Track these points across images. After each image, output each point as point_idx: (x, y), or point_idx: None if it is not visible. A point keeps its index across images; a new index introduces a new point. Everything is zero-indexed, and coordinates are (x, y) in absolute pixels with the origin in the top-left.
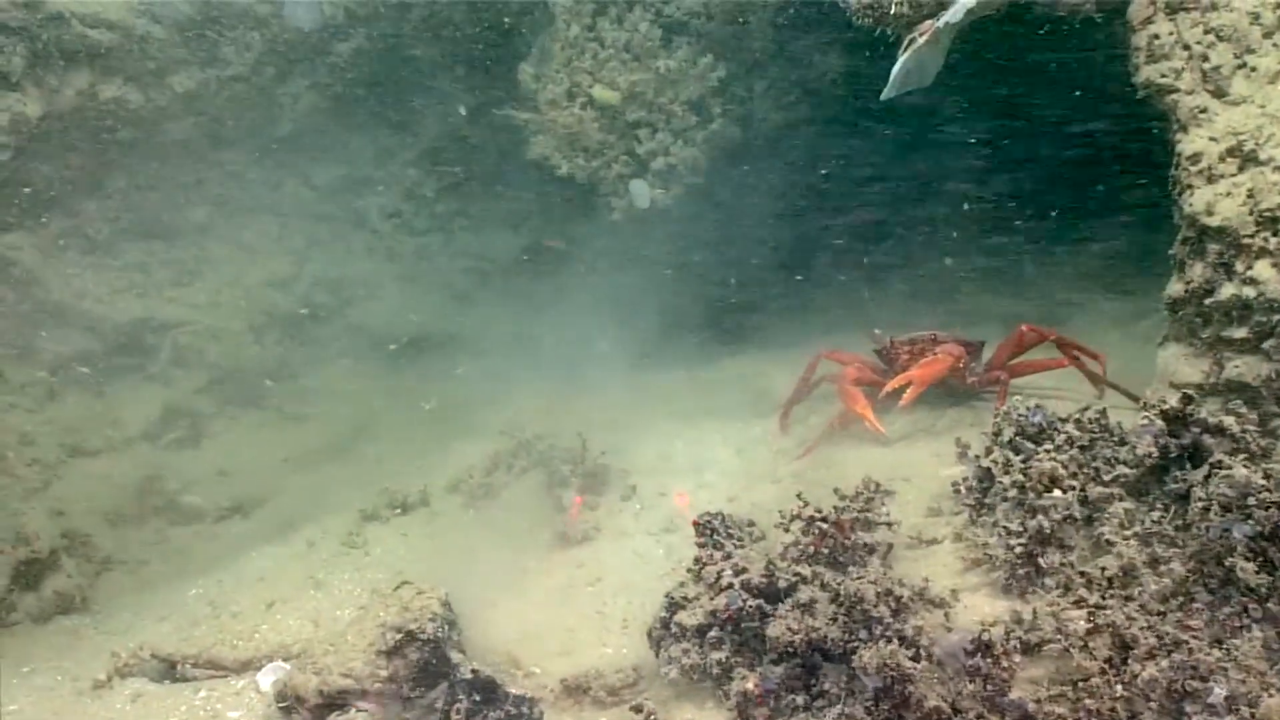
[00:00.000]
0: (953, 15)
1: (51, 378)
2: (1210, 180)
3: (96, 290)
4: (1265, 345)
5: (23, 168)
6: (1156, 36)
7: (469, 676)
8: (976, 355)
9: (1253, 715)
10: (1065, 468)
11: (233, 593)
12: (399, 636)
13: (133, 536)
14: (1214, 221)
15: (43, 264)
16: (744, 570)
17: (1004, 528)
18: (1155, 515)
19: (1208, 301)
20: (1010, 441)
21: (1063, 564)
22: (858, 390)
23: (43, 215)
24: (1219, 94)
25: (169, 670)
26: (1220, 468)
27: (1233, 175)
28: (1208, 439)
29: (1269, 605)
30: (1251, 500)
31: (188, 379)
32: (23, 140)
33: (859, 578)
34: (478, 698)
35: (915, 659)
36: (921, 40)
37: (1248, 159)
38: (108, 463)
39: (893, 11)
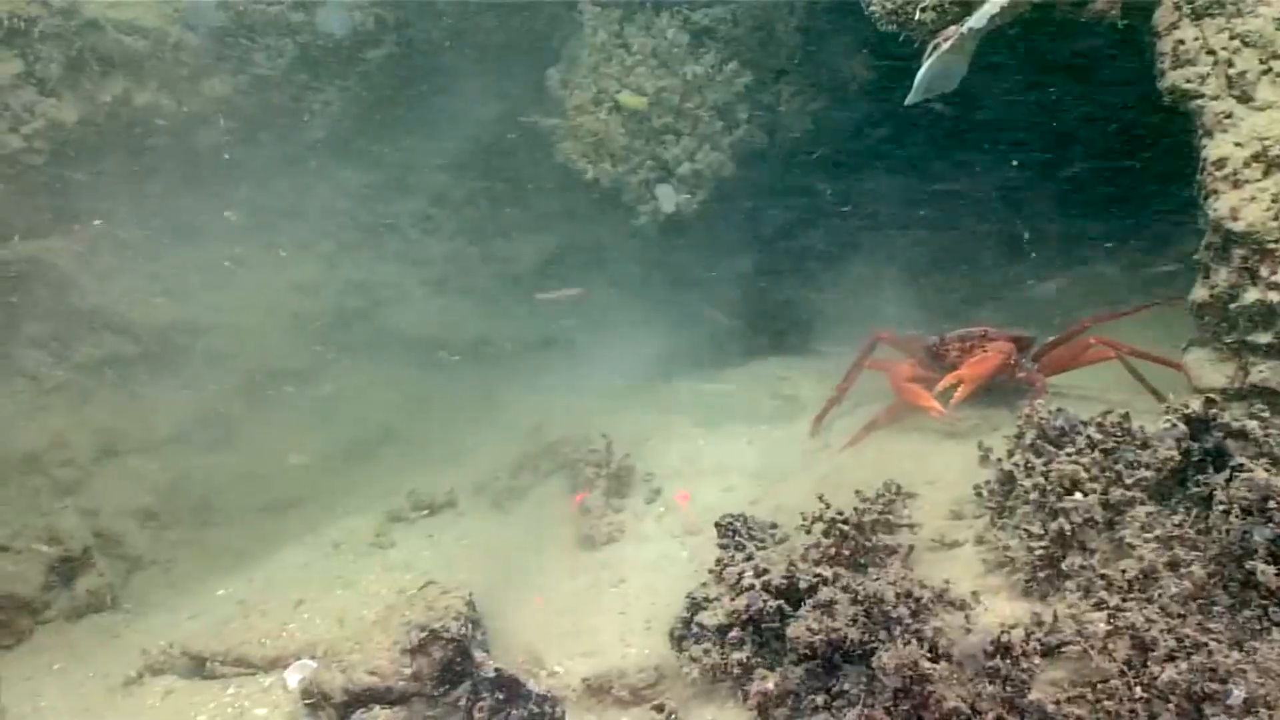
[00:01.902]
0: (977, 21)
1: (85, 380)
2: (1235, 185)
3: (129, 293)
4: None
5: (58, 172)
6: (1182, 42)
7: (492, 675)
8: (1027, 350)
9: (1271, 718)
10: (1086, 471)
11: (262, 591)
12: (423, 635)
13: (164, 536)
14: (1239, 226)
15: (77, 267)
16: (765, 571)
17: (1025, 530)
18: (1177, 518)
19: (1232, 306)
20: (1032, 444)
21: (1083, 566)
22: (914, 385)
23: (77, 219)
24: (1244, 99)
25: (199, 667)
26: (1241, 471)
27: (1258, 180)
28: (1230, 443)
29: None
30: (1272, 504)
31: (219, 381)
32: (58, 145)
33: (879, 579)
34: (501, 696)
35: (934, 660)
36: (946, 46)
37: (1273, 164)
38: (140, 463)
39: (917, 18)
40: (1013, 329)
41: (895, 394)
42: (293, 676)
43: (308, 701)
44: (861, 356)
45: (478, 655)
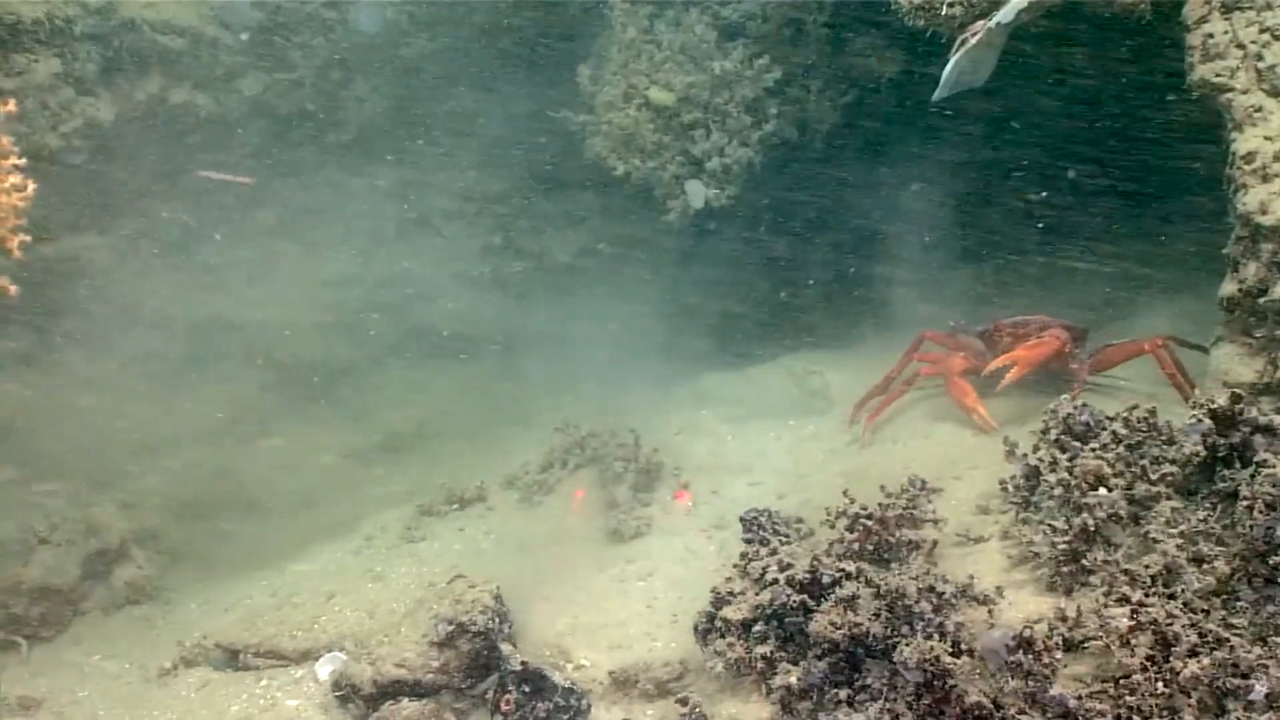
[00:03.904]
0: (1004, 15)
1: (123, 374)
2: (1265, 179)
3: (167, 289)
4: None
5: (96, 170)
6: (1211, 35)
7: (518, 668)
8: (1081, 341)
9: None
10: (1111, 466)
11: (294, 584)
12: (451, 628)
13: (200, 529)
14: (1268, 221)
15: (115, 264)
16: (789, 566)
17: (1049, 525)
18: (1202, 514)
19: (1262, 301)
20: (1057, 439)
21: (1106, 561)
22: (967, 384)
23: (115, 216)
24: (1274, 93)
25: (232, 659)
26: (1265, 467)
27: None
28: (1257, 438)
29: None
30: None
31: (255, 376)
32: (96, 143)
33: (901, 574)
34: (527, 689)
35: (956, 655)
36: (973, 41)
37: None
38: (177, 457)
39: (944, 12)
40: (1066, 320)
41: (948, 388)
42: (323, 668)
43: (338, 693)
44: (906, 355)
45: (504, 648)
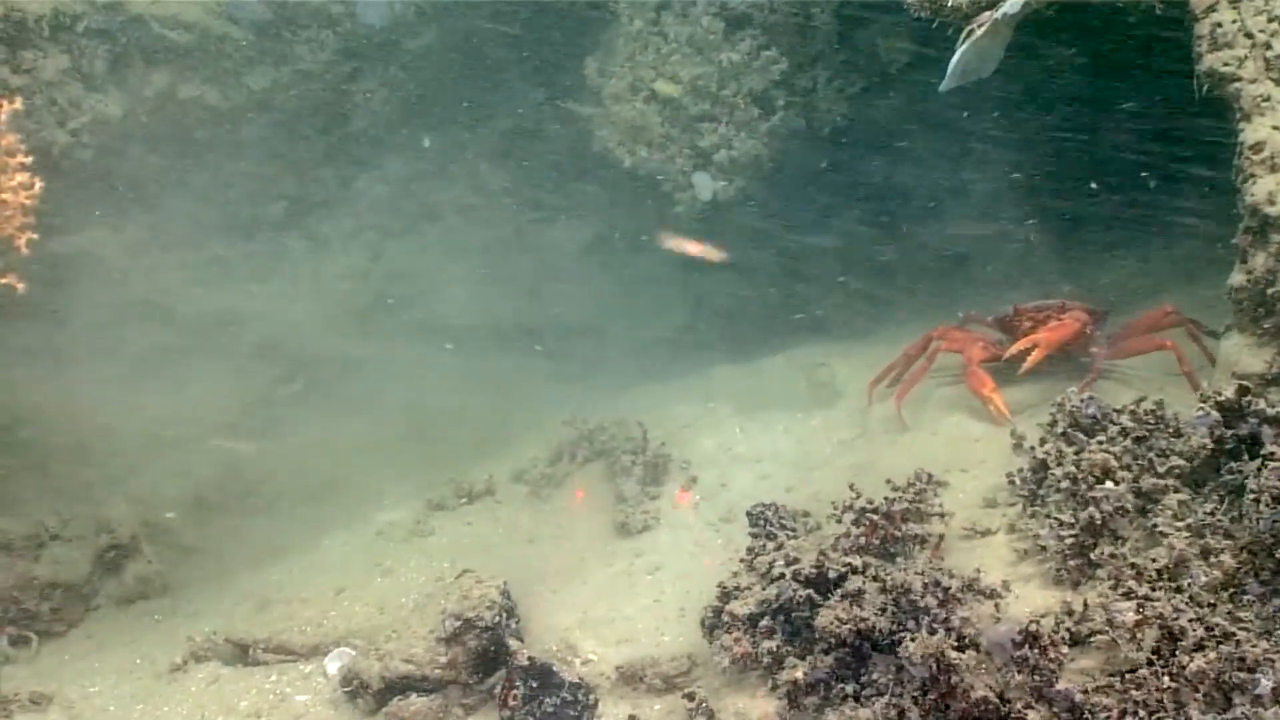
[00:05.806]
0: (1011, 7)
1: (133, 370)
2: (1273, 169)
3: (177, 284)
4: None
5: (106, 166)
6: (1219, 25)
7: (525, 663)
8: (1101, 322)
9: None
10: (1118, 459)
11: (304, 579)
12: (458, 624)
13: (210, 524)
14: (1276, 211)
15: (126, 259)
16: (795, 560)
17: (1055, 519)
18: (1209, 507)
19: (1270, 291)
20: (1064, 433)
21: (1113, 555)
22: (986, 374)
23: (125, 212)
24: None
25: (241, 654)
26: (1272, 459)
27: None
28: (1266, 429)
29: None
30: None
31: (265, 371)
32: (105, 139)
33: (907, 568)
34: (534, 684)
35: (962, 649)
36: (980, 32)
37: None
38: (187, 452)
39: (950, 4)
40: (1088, 301)
41: (966, 377)
42: (332, 664)
43: (347, 689)
44: (915, 352)
45: (511, 643)
